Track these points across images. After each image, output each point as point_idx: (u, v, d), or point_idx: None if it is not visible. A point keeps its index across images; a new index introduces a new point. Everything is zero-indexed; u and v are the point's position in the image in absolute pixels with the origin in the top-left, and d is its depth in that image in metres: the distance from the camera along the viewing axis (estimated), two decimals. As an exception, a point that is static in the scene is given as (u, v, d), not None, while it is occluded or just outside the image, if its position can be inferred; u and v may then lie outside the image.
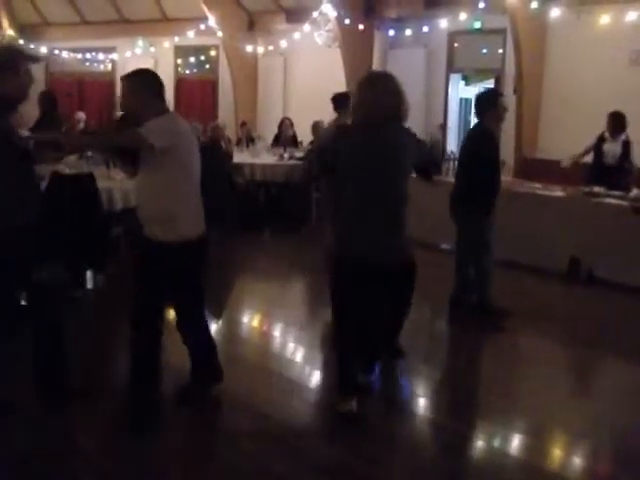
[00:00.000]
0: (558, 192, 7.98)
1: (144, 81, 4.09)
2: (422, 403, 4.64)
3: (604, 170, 8.23)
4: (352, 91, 7.28)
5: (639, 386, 5.21)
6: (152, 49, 16.65)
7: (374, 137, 4.18)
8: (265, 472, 3.68)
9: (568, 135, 9.73)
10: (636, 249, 7.07)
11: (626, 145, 8.23)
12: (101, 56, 17.70)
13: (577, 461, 4.03)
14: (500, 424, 4.37)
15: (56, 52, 17.91)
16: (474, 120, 6.35)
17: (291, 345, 5.75)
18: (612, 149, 8.25)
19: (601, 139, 8.32)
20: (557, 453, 4.14)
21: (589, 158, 8.51)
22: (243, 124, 13.51)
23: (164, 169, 3.97)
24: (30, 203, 3.98)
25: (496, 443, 4.17)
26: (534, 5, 10.20)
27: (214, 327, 6.20)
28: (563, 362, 5.68)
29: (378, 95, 4.17)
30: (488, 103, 6.05)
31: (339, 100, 7.83)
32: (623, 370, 5.52)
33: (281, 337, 5.99)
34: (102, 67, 18.12)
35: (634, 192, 7.62)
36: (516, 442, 4.18)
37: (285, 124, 12.50)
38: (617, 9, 9.88)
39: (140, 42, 16.67)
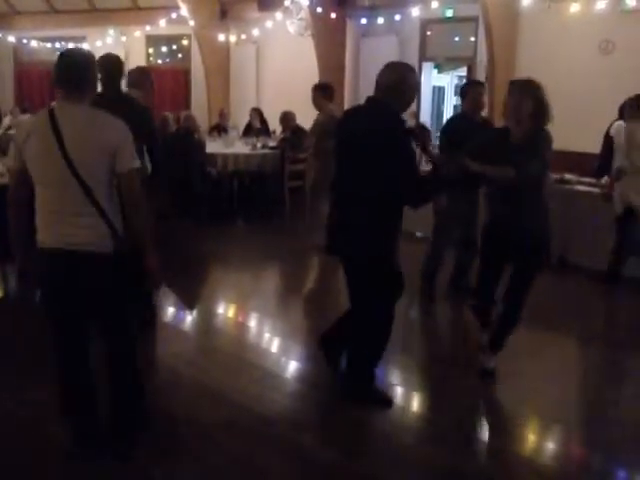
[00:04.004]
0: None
1: None
2: (397, 392, 4.66)
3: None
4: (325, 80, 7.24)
5: (607, 369, 5.29)
6: (123, 38, 16.48)
7: None
8: (240, 463, 3.69)
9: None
10: (606, 235, 7.15)
11: None
12: (71, 46, 17.48)
13: (550, 446, 4.09)
14: (473, 410, 4.42)
15: (25, 41, 17.68)
16: (447, 108, 6.47)
17: (266, 335, 5.76)
18: None
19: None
20: (530, 438, 4.19)
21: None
22: (222, 112, 13.41)
23: None
24: None
25: (469, 430, 4.22)
26: (505, -7, 10.26)
27: (189, 318, 6.21)
28: (533, 346, 5.74)
29: None
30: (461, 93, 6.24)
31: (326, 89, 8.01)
32: (592, 354, 5.58)
33: (255, 327, 5.98)
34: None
35: (605, 179, 7.70)
36: (489, 428, 4.24)
37: (252, 115, 12.47)
38: (587, -2, 9.97)
39: (111, 31, 16.49)
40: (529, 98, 4.40)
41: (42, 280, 3.48)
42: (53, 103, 3.39)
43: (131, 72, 6.12)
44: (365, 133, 4.10)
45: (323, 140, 8.03)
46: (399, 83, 4.09)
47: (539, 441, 4.16)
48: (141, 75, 6.08)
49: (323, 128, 7.99)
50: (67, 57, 3.39)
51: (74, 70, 3.33)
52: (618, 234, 6.97)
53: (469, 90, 6.35)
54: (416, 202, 4.25)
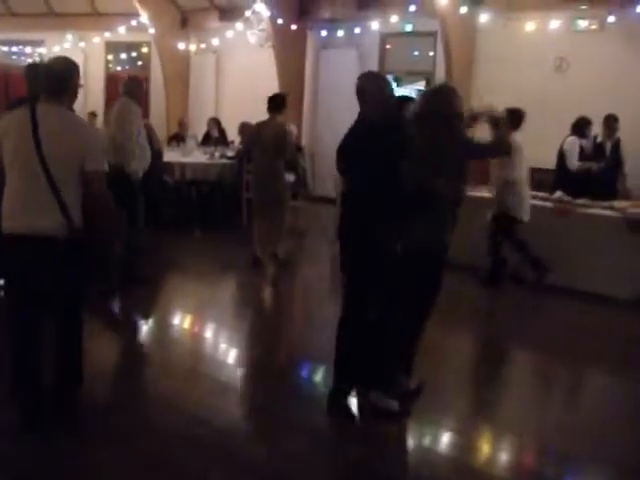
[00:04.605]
0: (485, 193, 8.13)
1: None
2: (351, 405, 4.67)
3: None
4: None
5: (559, 382, 5.39)
6: (82, 44, 16.31)
7: None
8: (195, 474, 3.66)
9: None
10: (558, 250, 7.29)
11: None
12: (29, 49, 17.22)
13: (503, 456, 4.14)
14: (426, 421, 4.45)
15: (-20, 44, 17.37)
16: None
17: (222, 346, 5.74)
18: None
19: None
20: (483, 448, 4.24)
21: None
22: (182, 122, 13.29)
23: None
24: None
25: (423, 441, 4.25)
26: (463, 10, 10.42)
27: (144, 328, 6.16)
28: (487, 358, 5.82)
29: None
30: None
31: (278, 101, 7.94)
32: (538, 363, 5.67)
33: (212, 338, 5.96)
34: (30, 61, 17.65)
35: (558, 194, 7.87)
36: (443, 439, 4.27)
37: (210, 124, 12.45)
38: (542, 16, 10.19)
39: (69, 36, 16.31)
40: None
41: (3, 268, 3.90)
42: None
43: (126, 82, 6.91)
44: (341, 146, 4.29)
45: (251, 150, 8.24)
46: (360, 91, 4.24)
47: (492, 451, 4.21)
48: (135, 85, 6.92)
49: (252, 138, 8.12)
50: (51, 65, 3.89)
51: (56, 77, 3.77)
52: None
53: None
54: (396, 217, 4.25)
